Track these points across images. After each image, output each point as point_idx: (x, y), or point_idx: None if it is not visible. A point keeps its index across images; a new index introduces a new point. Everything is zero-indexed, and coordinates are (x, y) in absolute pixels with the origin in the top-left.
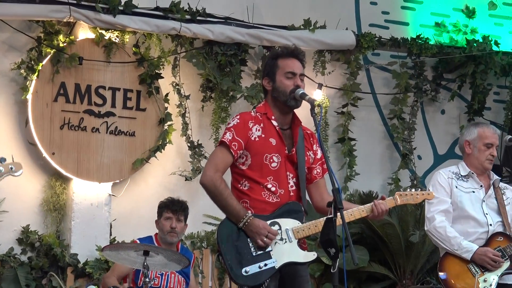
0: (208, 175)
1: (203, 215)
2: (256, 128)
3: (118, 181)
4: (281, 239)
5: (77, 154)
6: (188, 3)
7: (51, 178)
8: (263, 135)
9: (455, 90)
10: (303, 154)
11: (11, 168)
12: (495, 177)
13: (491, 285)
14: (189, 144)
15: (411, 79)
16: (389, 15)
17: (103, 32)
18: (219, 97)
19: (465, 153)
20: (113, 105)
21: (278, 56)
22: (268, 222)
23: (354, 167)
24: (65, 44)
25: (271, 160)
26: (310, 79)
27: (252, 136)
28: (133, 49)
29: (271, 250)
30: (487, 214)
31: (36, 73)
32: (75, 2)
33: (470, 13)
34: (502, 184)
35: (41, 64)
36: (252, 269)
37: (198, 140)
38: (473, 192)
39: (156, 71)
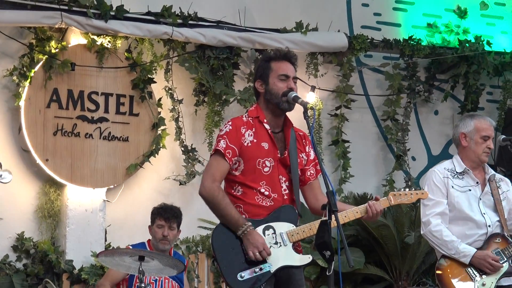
0: (206, 186)
1: (198, 220)
2: (249, 134)
3: (112, 186)
4: (276, 243)
5: (71, 160)
6: (179, 8)
7: (45, 184)
8: (255, 140)
9: (448, 90)
10: (296, 156)
11: (0, 175)
12: (491, 172)
13: None
14: (182, 149)
15: (404, 80)
16: (381, 17)
17: (95, 37)
18: (212, 101)
19: (460, 146)
20: (106, 110)
21: (271, 58)
22: (262, 226)
23: (348, 169)
24: (57, 50)
25: (264, 165)
26: (303, 82)
27: (245, 142)
28: (125, 54)
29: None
30: (484, 214)
31: (29, 80)
32: (66, 8)
33: (462, 13)
34: (497, 176)
35: (33, 70)
36: (247, 274)
37: (191, 145)
38: (470, 190)
39: (149, 75)
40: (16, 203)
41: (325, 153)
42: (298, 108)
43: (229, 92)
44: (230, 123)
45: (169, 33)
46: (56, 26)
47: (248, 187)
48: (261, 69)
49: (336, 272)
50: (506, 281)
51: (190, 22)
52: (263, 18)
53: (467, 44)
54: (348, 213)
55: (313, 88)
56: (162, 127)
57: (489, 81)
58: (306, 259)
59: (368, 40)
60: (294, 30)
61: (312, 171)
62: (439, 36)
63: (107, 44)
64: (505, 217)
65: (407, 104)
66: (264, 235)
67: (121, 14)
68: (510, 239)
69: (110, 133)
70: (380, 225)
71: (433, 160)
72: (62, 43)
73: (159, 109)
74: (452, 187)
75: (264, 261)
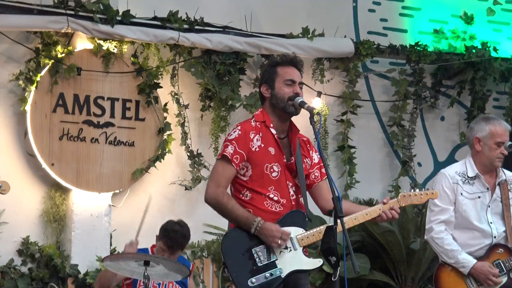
0: (210, 192)
1: (203, 225)
2: (257, 138)
3: (118, 191)
4: (286, 247)
5: (77, 164)
6: (186, 13)
7: (50, 189)
8: (262, 145)
9: (454, 96)
10: (301, 161)
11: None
12: (502, 176)
13: None
14: (188, 154)
15: (410, 86)
16: (388, 23)
17: (101, 42)
18: (218, 106)
19: (474, 150)
20: (112, 115)
21: (277, 63)
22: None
23: (354, 175)
24: (63, 54)
25: (272, 170)
26: (309, 87)
27: (253, 147)
28: (132, 59)
29: (276, 259)
30: (491, 223)
31: (35, 84)
32: (73, 13)
33: (468, 19)
34: (510, 178)
35: (39, 75)
36: (258, 279)
37: (197, 149)
38: (479, 197)
39: (155, 80)
40: (21, 208)
41: (331, 159)
42: (304, 114)
43: (235, 97)
44: (239, 127)
45: (175, 38)
46: (63, 31)
47: (257, 192)
48: (267, 74)
49: (341, 278)
50: None
51: (197, 27)
52: (269, 23)
53: (473, 50)
54: (358, 216)
55: (319, 94)
56: (168, 132)
57: (495, 87)
58: (316, 263)
59: (375, 46)
60: (300, 35)
61: (316, 174)
62: (446, 42)
63: (113, 49)
64: None
65: (413, 110)
66: None
67: (127, 19)
68: None
69: (116, 137)
70: (385, 231)
71: (439, 166)
72: (68, 48)
73: (165, 114)
74: (461, 194)
75: (274, 266)
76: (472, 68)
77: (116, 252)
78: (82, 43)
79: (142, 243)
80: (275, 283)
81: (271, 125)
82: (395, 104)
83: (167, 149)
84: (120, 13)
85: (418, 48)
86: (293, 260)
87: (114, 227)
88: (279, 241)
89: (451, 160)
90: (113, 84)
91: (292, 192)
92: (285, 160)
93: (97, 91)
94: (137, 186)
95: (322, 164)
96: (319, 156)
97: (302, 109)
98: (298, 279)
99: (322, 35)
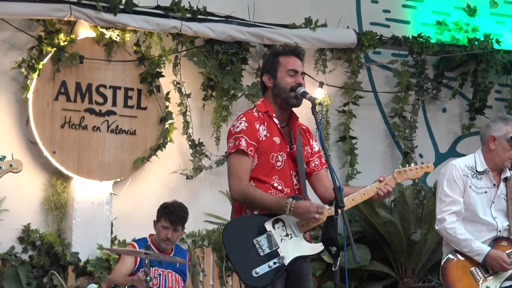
0: (234, 188)
1: (204, 214)
2: (262, 128)
3: (119, 179)
4: (287, 234)
5: (78, 152)
6: (189, 2)
7: (52, 176)
8: (268, 134)
9: (456, 88)
10: (301, 150)
11: (11, 165)
12: (508, 173)
13: None
14: (190, 143)
15: (412, 77)
16: (390, 14)
17: (104, 30)
18: (220, 96)
19: (486, 147)
20: (114, 103)
21: (279, 53)
22: (272, 219)
23: (355, 165)
24: (65, 43)
25: (277, 159)
26: (311, 78)
27: (260, 136)
28: (134, 47)
29: (278, 248)
30: (496, 218)
31: (37, 72)
32: (75, 1)
33: (471, 11)
34: None
35: (41, 63)
36: (262, 269)
37: (199, 139)
38: (486, 192)
39: (157, 69)
40: (22, 195)
41: (332, 149)
42: (305, 104)
43: (237, 87)
44: (244, 119)
45: (178, 27)
46: (65, 19)
47: (261, 181)
48: (269, 63)
49: (342, 268)
50: (506, 284)
51: (199, 16)
52: (272, 13)
53: (476, 42)
54: (356, 196)
55: (321, 84)
56: (170, 121)
57: (497, 79)
58: (318, 247)
59: (377, 37)
60: (303, 26)
61: (316, 162)
62: (448, 34)
63: (116, 38)
64: None
65: (415, 101)
66: (274, 229)
67: (130, 7)
68: None
69: (117, 126)
70: (386, 222)
71: (441, 158)
72: (71, 36)
73: (167, 103)
74: (470, 186)
75: (277, 254)
76: (475, 60)
77: (116, 241)
78: (84, 31)
79: (141, 232)
80: (279, 271)
81: (274, 115)
82: (397, 95)
83: (168, 138)
84: (123, 2)
85: (421, 39)
86: (295, 246)
87: (115, 216)
88: (317, 216)
89: (452, 151)
90: (115, 72)
91: (295, 181)
92: (288, 149)
93: (99, 80)
94: (138, 175)
95: (321, 153)
96: (319, 145)
97: (304, 99)
98: (301, 268)
99: (324, 25)
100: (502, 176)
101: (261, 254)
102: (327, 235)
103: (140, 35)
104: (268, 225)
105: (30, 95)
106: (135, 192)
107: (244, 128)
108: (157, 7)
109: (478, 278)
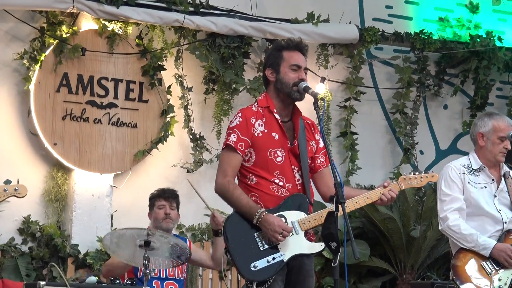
0: (218, 183)
1: (204, 208)
2: (259, 123)
3: (119, 172)
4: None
5: (79, 145)
6: None
7: (52, 168)
8: (265, 130)
9: (458, 85)
10: (305, 145)
11: (16, 189)
12: (506, 168)
13: (505, 284)
14: (191, 136)
15: (414, 73)
16: (393, 10)
17: (106, 23)
18: (222, 90)
19: (477, 145)
20: (116, 96)
21: (283, 48)
22: (274, 215)
23: (356, 161)
24: (68, 35)
25: (276, 155)
26: (313, 73)
27: (256, 132)
28: (136, 40)
29: (278, 244)
30: (500, 210)
31: (39, 64)
32: None
33: (473, 8)
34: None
35: (44, 54)
36: (260, 263)
37: (200, 132)
38: (485, 187)
39: (159, 62)
40: None
41: (333, 145)
42: (307, 99)
43: (238, 81)
44: (239, 114)
45: (181, 21)
46: (68, 11)
47: (262, 177)
48: (272, 58)
49: (341, 263)
50: None
51: (202, 10)
52: (274, 8)
53: (478, 39)
54: (359, 199)
55: (323, 79)
56: (171, 115)
57: (499, 76)
58: (318, 247)
59: (379, 33)
60: (305, 20)
61: (322, 159)
62: (450, 31)
63: (118, 30)
64: None
65: (417, 97)
66: None
67: (133, 0)
68: None
69: (119, 119)
70: (386, 218)
71: (441, 154)
72: (73, 28)
73: (169, 96)
74: (468, 183)
75: (277, 250)
76: (476, 57)
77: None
78: (87, 23)
79: (141, 225)
80: (277, 267)
81: (275, 110)
82: (399, 91)
83: (169, 131)
84: None
85: (423, 36)
86: (295, 244)
87: (115, 208)
88: (279, 237)
89: (453, 148)
90: (117, 65)
91: (298, 177)
92: (289, 144)
93: (101, 72)
94: (139, 168)
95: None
96: (324, 145)
97: (306, 93)
98: (303, 264)
99: (327, 20)
100: (501, 172)
101: (261, 248)
102: (327, 231)
103: (142, 28)
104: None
105: (31, 87)
106: (136, 185)
107: (238, 123)
108: (160, 0)
109: (490, 271)
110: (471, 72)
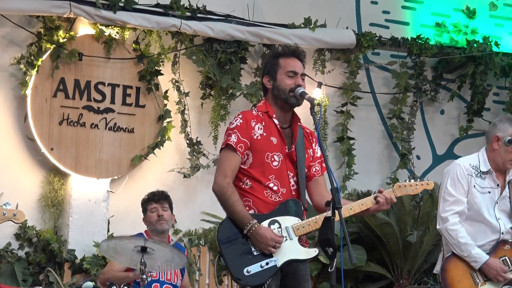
0: (217, 183)
1: (201, 213)
2: (258, 127)
3: (116, 177)
4: (282, 237)
5: (76, 150)
6: (188, 0)
7: (49, 173)
8: (264, 134)
9: (454, 90)
10: (303, 152)
11: (14, 214)
12: None
13: None
14: (188, 141)
15: (410, 79)
16: (390, 15)
17: (103, 28)
18: (219, 95)
19: (490, 146)
20: (112, 101)
21: (279, 55)
22: (268, 220)
23: (352, 166)
24: (65, 39)
25: (272, 159)
26: (310, 78)
27: (255, 135)
28: (133, 45)
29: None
30: (499, 219)
31: (36, 69)
32: None
33: (470, 13)
34: None
35: (40, 59)
36: (254, 268)
37: (197, 137)
38: (489, 192)
39: (156, 67)
40: (20, 192)
41: (330, 150)
42: (304, 105)
43: (235, 86)
44: (240, 116)
45: (177, 26)
46: (65, 16)
47: (257, 181)
48: (269, 65)
49: (338, 269)
50: None
51: (199, 15)
52: (271, 13)
53: (475, 45)
54: (354, 206)
55: (319, 85)
56: (168, 120)
57: (496, 82)
58: (312, 252)
59: (376, 38)
60: (302, 26)
61: (317, 168)
62: (447, 36)
63: (115, 35)
64: None
65: (413, 103)
66: None
67: (130, 5)
68: None
69: (115, 124)
70: (382, 223)
71: (438, 160)
72: (70, 33)
73: (165, 101)
74: (474, 186)
75: (270, 255)
76: (473, 62)
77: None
78: (84, 28)
79: (138, 230)
80: (270, 272)
81: (274, 116)
82: (395, 96)
83: (166, 137)
84: (123, 0)
85: (420, 41)
86: (289, 249)
87: (112, 213)
88: (272, 250)
89: (450, 153)
90: (114, 70)
91: (293, 182)
92: (287, 150)
93: (98, 77)
94: (136, 173)
95: (323, 158)
96: (321, 151)
97: (303, 99)
98: (297, 269)
99: (324, 26)
100: (507, 179)
101: (255, 253)
102: (324, 236)
103: (139, 33)
104: (264, 226)
105: (28, 92)
106: (132, 190)
107: (238, 124)
108: (157, 5)
109: (478, 281)
110: (468, 77)
